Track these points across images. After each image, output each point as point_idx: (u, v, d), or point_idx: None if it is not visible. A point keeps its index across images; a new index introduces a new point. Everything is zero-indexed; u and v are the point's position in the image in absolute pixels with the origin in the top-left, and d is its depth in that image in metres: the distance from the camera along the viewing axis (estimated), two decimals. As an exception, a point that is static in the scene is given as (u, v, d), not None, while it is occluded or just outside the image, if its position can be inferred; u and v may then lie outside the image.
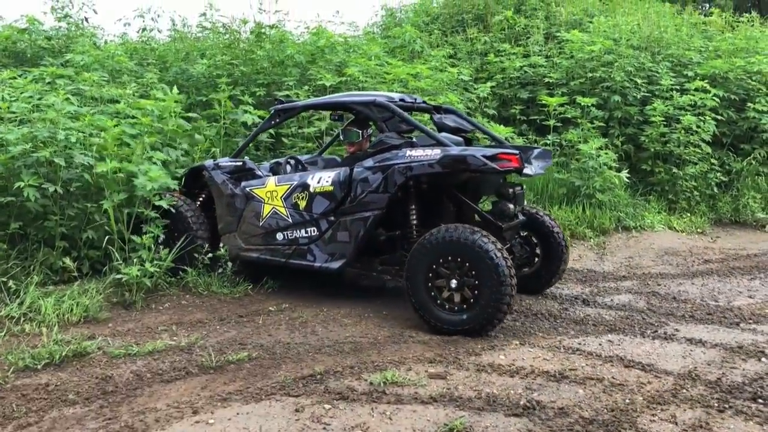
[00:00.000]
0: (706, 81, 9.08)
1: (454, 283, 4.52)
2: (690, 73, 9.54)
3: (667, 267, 6.87)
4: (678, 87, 9.20)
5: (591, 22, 10.90)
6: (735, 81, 9.42)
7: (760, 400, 3.61)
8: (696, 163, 8.75)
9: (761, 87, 9.39)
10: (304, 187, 5.29)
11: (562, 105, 8.64)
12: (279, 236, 5.39)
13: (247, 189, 5.56)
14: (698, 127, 8.67)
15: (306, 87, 8.11)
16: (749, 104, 9.24)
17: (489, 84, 9.27)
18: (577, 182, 8.02)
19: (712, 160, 8.93)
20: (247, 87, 8.35)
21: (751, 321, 5.12)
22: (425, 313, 4.60)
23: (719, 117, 9.08)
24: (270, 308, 5.22)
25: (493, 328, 4.53)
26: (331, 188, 5.17)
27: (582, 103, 8.65)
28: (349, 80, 8.09)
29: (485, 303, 4.40)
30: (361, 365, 4.00)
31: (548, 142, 8.52)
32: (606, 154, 8.11)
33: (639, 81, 9.16)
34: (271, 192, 5.44)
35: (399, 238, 5.21)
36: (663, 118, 8.75)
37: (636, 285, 6.15)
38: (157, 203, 5.47)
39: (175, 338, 4.49)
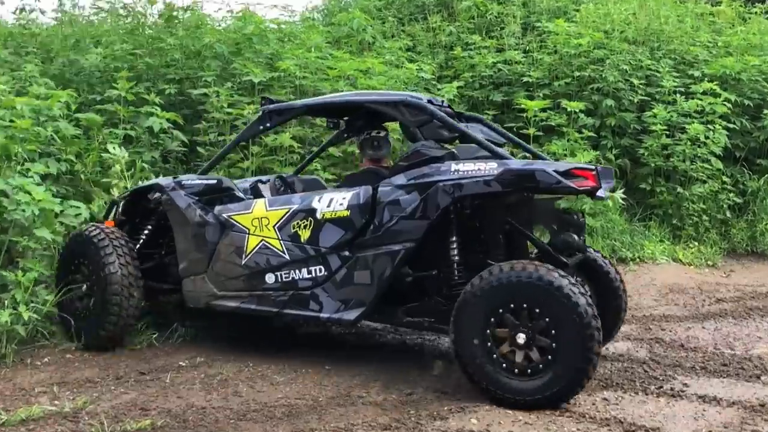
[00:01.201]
0: (716, 83, 9.34)
1: (521, 338, 4.24)
2: (696, 73, 9.81)
3: (672, 308, 7.00)
4: (682, 89, 9.45)
5: (578, 10, 11.14)
6: (749, 83, 9.73)
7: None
8: (705, 182, 8.97)
9: (771, 91, 9.74)
10: (309, 212, 4.95)
11: (543, 110, 8.76)
12: (269, 278, 5.03)
13: (224, 216, 5.18)
14: (707, 137, 8.89)
15: (229, 84, 8.05)
16: (766, 111, 9.53)
17: (455, 84, 9.35)
18: (563, 204, 8.11)
19: (724, 178, 9.16)
20: (154, 83, 8.25)
21: (774, 373, 5.23)
22: (485, 380, 4.31)
23: (731, 126, 9.34)
24: (181, 363, 5.10)
25: (575, 395, 4.34)
26: (347, 213, 4.84)
27: (568, 108, 8.79)
28: (282, 76, 8.07)
29: (568, 362, 4.17)
30: (294, 433, 3.93)
31: (526, 155, 8.62)
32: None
33: (636, 82, 9.37)
34: (259, 219, 5.07)
35: (433, 280, 4.89)
36: (665, 127, 8.95)
37: (636, 330, 6.23)
38: (39, 233, 5.31)
39: (56, 402, 4.33)
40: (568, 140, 8.72)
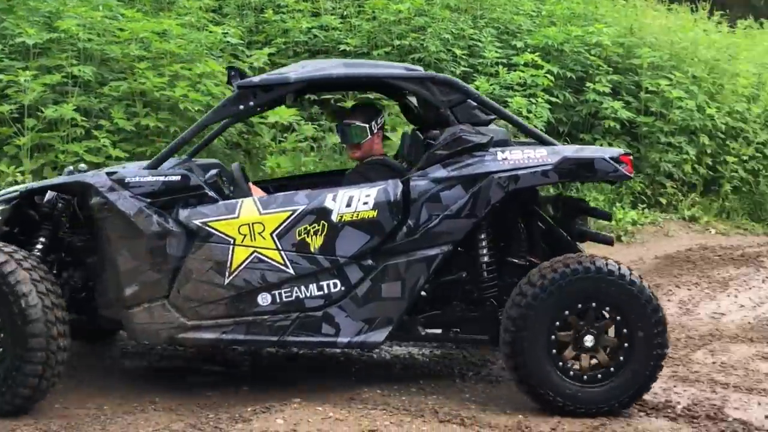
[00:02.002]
0: (538, 54, 9.82)
1: (589, 341, 4.20)
2: (519, 44, 10.28)
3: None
4: (505, 61, 9.86)
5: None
6: (571, 55, 10.30)
7: None
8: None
9: (601, 63, 10.36)
10: (321, 214, 4.38)
11: (363, 80, 8.88)
12: (263, 299, 4.38)
13: (196, 222, 4.33)
14: (530, 111, 9.33)
15: (-1, 46, 7.61)
16: (588, 84, 10.14)
17: (267, 50, 9.29)
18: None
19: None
20: None
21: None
22: (548, 389, 4.18)
23: (554, 99, 9.86)
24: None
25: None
26: (374, 214, 4.37)
27: (387, 79, 8.95)
28: (63, 38, 7.69)
29: (640, 364, 4.19)
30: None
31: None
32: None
33: (458, 52, 9.69)
34: (250, 226, 4.38)
35: (458, 285, 4.67)
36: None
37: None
38: None
39: None
40: (389, 114, 8.87)
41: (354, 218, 4.34)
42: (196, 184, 4.39)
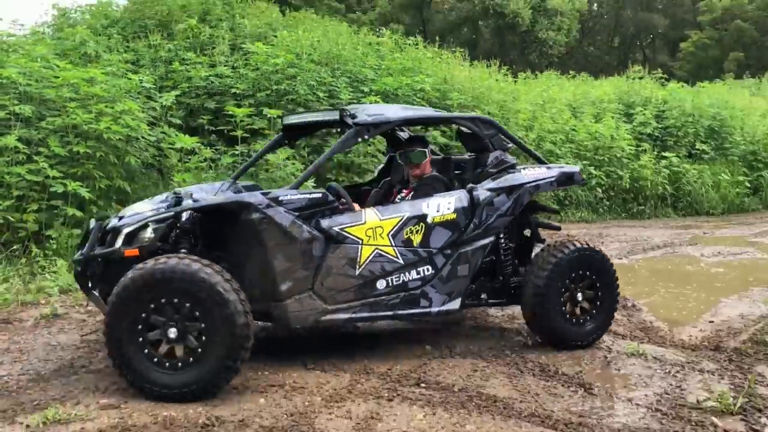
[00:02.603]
0: (380, 96, 9.92)
1: (580, 297, 4.79)
2: (366, 89, 10.34)
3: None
4: (356, 101, 9.90)
5: (275, 35, 11.21)
6: (404, 97, 10.45)
7: (422, 385, 4.00)
8: (374, 172, 9.49)
9: (425, 103, 10.56)
10: (420, 218, 4.48)
11: (249, 116, 8.72)
12: (380, 284, 4.39)
13: (336, 229, 4.26)
14: (375, 138, 9.41)
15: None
16: (416, 118, 10.31)
17: (174, 93, 8.97)
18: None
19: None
20: None
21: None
22: (559, 334, 4.73)
23: (392, 129, 9.97)
24: None
25: None
26: (454, 216, 4.56)
27: (268, 115, 8.82)
28: (6, 83, 7.16)
29: (607, 308, 4.88)
30: (16, 407, 3.52)
31: (237, 152, 8.53)
32: (293, 164, 8.39)
33: (321, 94, 9.65)
34: (373, 229, 4.37)
35: (495, 264, 4.91)
36: (344, 130, 9.33)
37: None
38: None
39: None
40: (269, 140, 8.73)
41: (442, 220, 4.55)
42: (330, 200, 4.32)
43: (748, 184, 14.19)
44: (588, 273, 4.78)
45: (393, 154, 5.58)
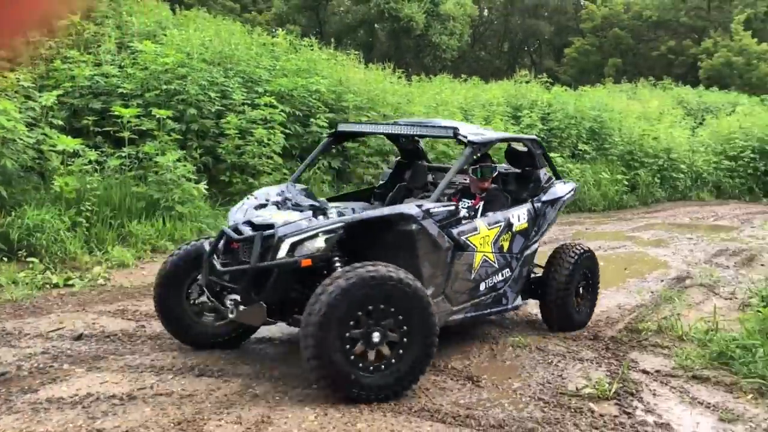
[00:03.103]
0: (274, 97, 9.80)
1: (581, 290, 5.45)
2: (260, 90, 10.19)
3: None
4: (249, 102, 9.73)
5: (165, 34, 10.84)
6: (299, 98, 10.38)
7: (314, 387, 3.98)
8: (270, 173, 9.38)
9: (320, 104, 10.53)
10: (509, 227, 4.97)
11: (137, 117, 8.38)
12: (482, 287, 4.77)
13: (464, 238, 4.54)
14: (269, 139, 9.30)
15: None
16: (312, 119, 10.27)
17: (56, 92, 8.48)
18: (156, 195, 7.87)
19: (284, 170, 9.67)
20: None
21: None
22: (571, 319, 5.36)
23: (287, 131, 9.88)
24: None
25: None
26: (526, 225, 5.10)
27: (157, 115, 8.52)
28: None
29: (593, 300, 5.65)
30: None
31: (124, 154, 8.18)
32: (184, 166, 8.15)
33: (213, 95, 9.42)
34: (484, 238, 4.73)
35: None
36: (237, 131, 9.16)
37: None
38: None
39: None
40: (159, 142, 8.45)
41: (520, 228, 5.04)
42: (458, 211, 4.60)
43: (626, 183, 15.06)
44: (588, 271, 5.51)
45: (402, 161, 6.01)
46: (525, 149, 5.53)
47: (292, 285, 4.06)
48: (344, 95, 11.11)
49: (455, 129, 4.79)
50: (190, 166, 8.28)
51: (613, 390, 4.05)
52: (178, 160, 8.19)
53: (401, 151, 6.11)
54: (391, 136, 6.11)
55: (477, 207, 5.14)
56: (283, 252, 3.89)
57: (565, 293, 5.22)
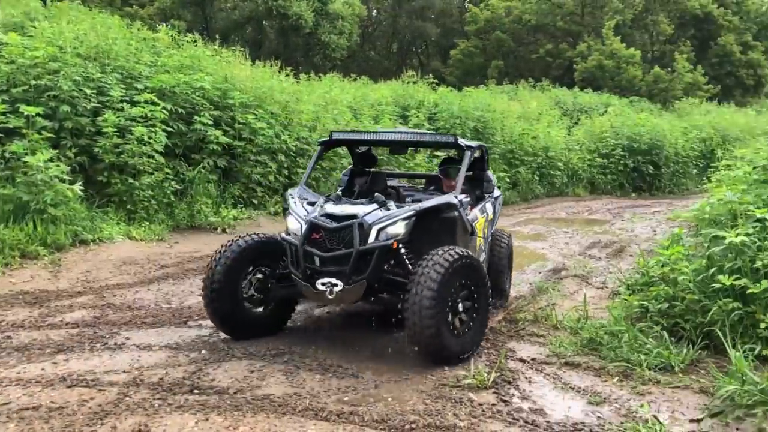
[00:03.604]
0: (155, 94, 9.42)
1: None
2: (140, 86, 9.75)
3: (125, 277, 6.89)
4: (128, 99, 9.31)
5: (34, 26, 10.17)
6: (182, 95, 10.03)
7: (196, 391, 3.87)
8: (152, 173, 9.01)
9: (204, 102, 10.23)
10: (487, 217, 5.83)
11: (3, 114, 7.81)
12: None
13: (474, 223, 5.38)
14: (150, 138, 8.94)
15: None
16: (196, 117, 9.96)
17: None
18: (25, 197, 7.38)
19: (167, 170, 9.32)
20: None
21: (198, 318, 5.49)
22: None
23: (170, 129, 9.53)
24: None
25: None
26: (493, 216, 6.09)
27: (26, 112, 7.97)
28: None
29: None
30: None
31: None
32: (57, 166, 7.67)
33: (89, 91, 8.92)
34: (479, 225, 5.55)
35: None
36: (116, 129, 8.74)
37: (92, 299, 5.98)
38: None
39: None
40: (28, 141, 7.92)
41: (491, 218, 6.03)
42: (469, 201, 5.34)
43: (508, 180, 15.67)
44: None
45: (355, 168, 6.37)
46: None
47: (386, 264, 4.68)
48: (230, 92, 10.84)
49: (455, 137, 5.36)
50: (64, 166, 7.81)
51: (492, 379, 4.19)
52: (50, 159, 7.70)
53: (354, 157, 6.39)
54: (384, 144, 6.17)
55: None
56: (372, 237, 4.53)
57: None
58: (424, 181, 7.16)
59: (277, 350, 4.69)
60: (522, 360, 4.69)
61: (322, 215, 4.65)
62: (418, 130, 6.50)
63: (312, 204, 4.89)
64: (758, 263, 4.61)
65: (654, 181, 19.53)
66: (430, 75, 19.37)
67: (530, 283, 7.13)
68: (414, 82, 17.92)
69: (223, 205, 10.03)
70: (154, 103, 9.19)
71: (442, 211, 4.91)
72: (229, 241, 4.96)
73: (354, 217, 4.55)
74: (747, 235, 4.77)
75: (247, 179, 10.62)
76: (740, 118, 24.47)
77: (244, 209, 10.32)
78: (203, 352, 4.59)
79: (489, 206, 6.00)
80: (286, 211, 5.04)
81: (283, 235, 4.87)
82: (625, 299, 5.74)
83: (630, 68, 30.23)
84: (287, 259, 4.75)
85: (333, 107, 13.36)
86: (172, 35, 12.51)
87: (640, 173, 19.13)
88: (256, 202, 10.75)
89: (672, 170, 20.05)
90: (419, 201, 5.13)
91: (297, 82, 14.50)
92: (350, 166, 6.49)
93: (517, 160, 16.40)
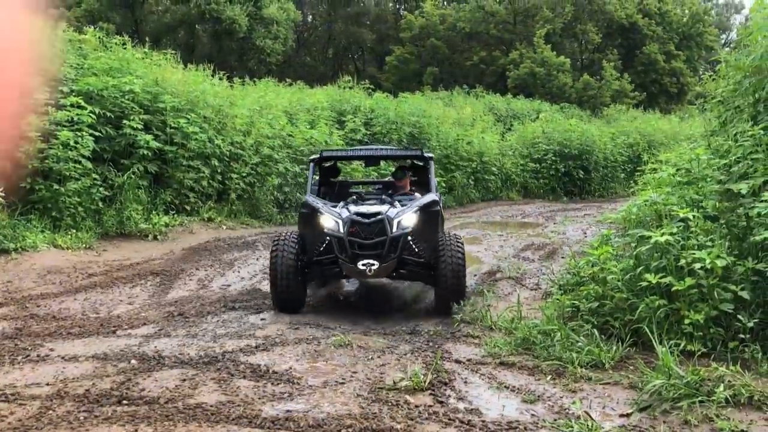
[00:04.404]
0: (82, 97, 9.12)
1: None
2: (66, 89, 9.42)
3: (50, 286, 6.62)
4: (53, 102, 8.97)
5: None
6: (110, 99, 9.73)
7: (125, 402, 3.74)
8: (78, 179, 8.71)
9: (134, 106, 9.95)
10: None
11: None
12: None
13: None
14: (77, 142, 8.64)
15: None
16: (125, 121, 9.67)
17: None
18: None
19: (95, 176, 9.02)
20: None
21: (127, 327, 5.31)
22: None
23: (98, 133, 9.23)
24: None
25: None
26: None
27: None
28: None
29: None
30: None
31: None
32: (-25, 171, 7.32)
33: (10, 94, 8.56)
34: None
35: None
36: (40, 134, 8.40)
37: (13, 310, 5.72)
38: None
39: None
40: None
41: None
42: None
43: (444, 184, 15.84)
44: None
45: (321, 179, 7.30)
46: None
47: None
48: (161, 96, 10.59)
49: (421, 150, 6.87)
50: (-18, 172, 7.46)
51: (428, 381, 4.21)
52: (-32, 165, 7.34)
53: (322, 170, 7.31)
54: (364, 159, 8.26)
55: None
56: (395, 227, 5.75)
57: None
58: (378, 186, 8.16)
59: (211, 356, 4.58)
60: (458, 361, 4.73)
61: (355, 213, 5.79)
62: (390, 146, 7.72)
63: (334, 207, 6.02)
64: (682, 261, 4.78)
65: (584, 185, 20.12)
66: (366, 81, 19.42)
67: (466, 286, 7.20)
68: (350, 88, 17.92)
69: (154, 212, 9.78)
70: (80, 107, 8.90)
71: (430, 206, 6.15)
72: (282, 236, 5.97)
73: (379, 213, 5.76)
74: (671, 234, 4.94)
75: (180, 185, 10.39)
76: (665, 125, 25.47)
77: (176, 215, 10.10)
78: (133, 361, 4.44)
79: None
80: (302, 214, 6.32)
81: (325, 230, 5.84)
82: (558, 299, 5.86)
83: (560, 76, 31.05)
84: (334, 247, 5.71)
85: (268, 112, 13.21)
86: (99, 37, 12.11)
87: (571, 177, 19.67)
88: (188, 208, 10.54)
89: (601, 174, 20.69)
90: (390, 202, 6.23)
91: (231, 86, 14.28)
92: (317, 177, 7.28)
93: (452, 165, 16.60)
